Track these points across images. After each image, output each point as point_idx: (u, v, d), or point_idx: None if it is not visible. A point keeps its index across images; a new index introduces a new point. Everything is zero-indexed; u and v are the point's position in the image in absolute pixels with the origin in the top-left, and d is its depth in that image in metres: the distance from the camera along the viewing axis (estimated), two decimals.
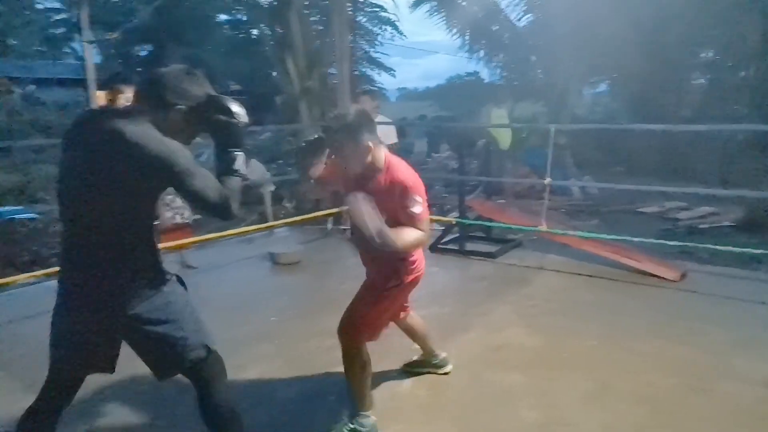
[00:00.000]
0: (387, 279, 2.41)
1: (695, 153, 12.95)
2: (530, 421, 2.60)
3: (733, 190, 10.48)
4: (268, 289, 4.70)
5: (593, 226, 8.05)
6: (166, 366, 1.86)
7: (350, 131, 2.26)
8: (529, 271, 4.92)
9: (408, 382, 2.97)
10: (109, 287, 1.69)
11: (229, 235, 6.04)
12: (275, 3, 9.46)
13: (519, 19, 13.18)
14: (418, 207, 2.25)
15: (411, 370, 3.04)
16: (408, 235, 2.24)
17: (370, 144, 2.29)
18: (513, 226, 5.59)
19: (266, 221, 7.14)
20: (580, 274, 4.80)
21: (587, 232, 5.58)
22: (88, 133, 1.66)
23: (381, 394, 2.79)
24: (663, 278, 4.58)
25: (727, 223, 9.55)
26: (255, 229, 6.23)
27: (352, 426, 2.43)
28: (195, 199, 1.69)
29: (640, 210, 10.65)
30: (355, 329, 2.39)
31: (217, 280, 4.96)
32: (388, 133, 5.50)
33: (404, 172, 2.33)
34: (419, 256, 2.48)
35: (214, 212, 1.73)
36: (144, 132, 1.62)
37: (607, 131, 13.63)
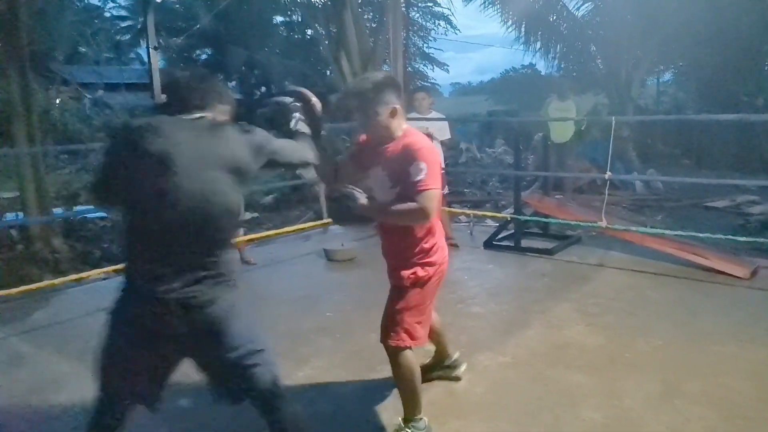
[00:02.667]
0: (402, 276, 2.28)
1: None
2: (593, 422, 2.52)
3: None
4: (324, 285, 4.77)
5: (658, 222, 7.73)
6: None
7: (371, 89, 2.16)
8: (589, 269, 4.77)
9: (465, 379, 2.94)
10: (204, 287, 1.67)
11: (285, 232, 6.19)
12: (329, 3, 9.57)
13: (578, 9, 12.79)
14: (422, 175, 2.05)
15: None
16: (402, 206, 2.11)
17: (391, 106, 2.16)
18: (571, 222, 5.44)
19: (321, 218, 7.24)
20: (644, 272, 4.62)
21: (650, 228, 5.36)
22: (180, 136, 1.65)
23: (436, 391, 2.78)
24: (732, 276, 4.35)
25: None
26: (310, 226, 6.34)
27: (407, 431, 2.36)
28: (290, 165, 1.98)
29: (708, 204, 10.13)
30: (389, 334, 2.30)
31: (275, 276, 5.07)
32: (441, 129, 5.45)
33: (418, 139, 2.19)
34: (435, 246, 2.30)
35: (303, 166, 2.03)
36: (231, 128, 1.76)
37: (673, 122, 13.04)
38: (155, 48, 3.85)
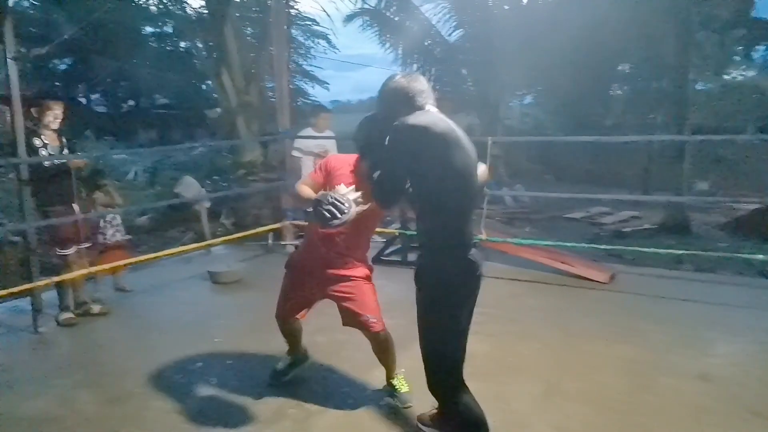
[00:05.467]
0: (367, 269, 3.02)
1: (618, 161, 13.74)
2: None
3: (653, 196, 11.21)
4: (211, 309, 4.56)
5: (527, 233, 8.35)
6: None
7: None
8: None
9: (363, 397, 2.96)
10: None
11: (164, 255, 5.82)
12: (207, 16, 9.26)
13: (450, 35, 13.55)
14: None
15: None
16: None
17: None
18: None
19: (203, 239, 6.92)
20: (520, 280, 4.96)
21: (522, 239, 5.78)
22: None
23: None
24: (595, 281, 4.82)
25: (647, 226, 10.17)
26: (192, 248, 6.03)
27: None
28: None
29: (567, 216, 11.14)
30: (374, 323, 2.84)
31: (156, 303, 4.76)
32: (333, 148, 5.55)
33: None
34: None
35: None
36: None
37: (535, 141, 14.22)
38: (14, 58, 3.48)
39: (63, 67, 18.75)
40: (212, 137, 16.13)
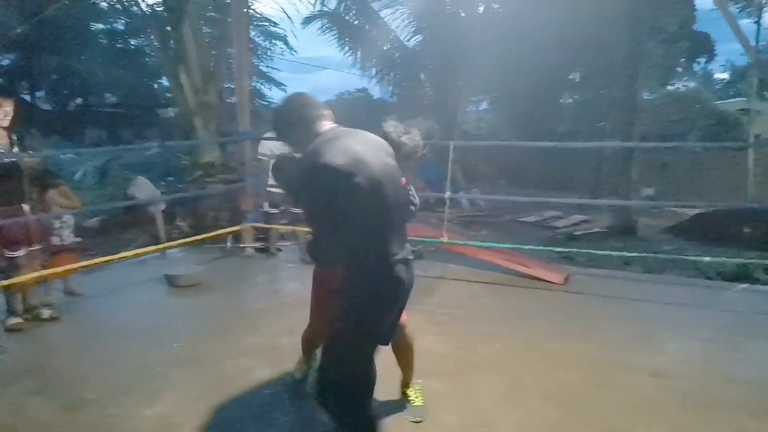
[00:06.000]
0: None
1: (570, 166, 14.19)
2: (451, 424, 2.70)
3: (603, 200, 11.61)
4: (169, 314, 4.45)
5: (484, 236, 8.51)
6: None
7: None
8: (433, 281, 5.09)
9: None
10: None
11: (117, 258, 5.64)
12: (164, 14, 9.03)
13: (408, 40, 13.68)
14: None
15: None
16: None
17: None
18: (416, 239, 5.76)
19: (159, 242, 6.75)
20: (479, 282, 5.05)
21: (481, 242, 5.90)
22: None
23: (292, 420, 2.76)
24: (550, 282, 4.97)
25: (597, 230, 10.55)
26: (147, 251, 5.87)
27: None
28: None
29: (522, 220, 11.41)
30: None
31: (111, 307, 4.61)
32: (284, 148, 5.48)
33: None
34: None
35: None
36: None
37: (491, 146, 14.50)
38: None
39: (5, 62, 17.90)
40: (165, 137, 15.71)
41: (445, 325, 3.96)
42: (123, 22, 16.48)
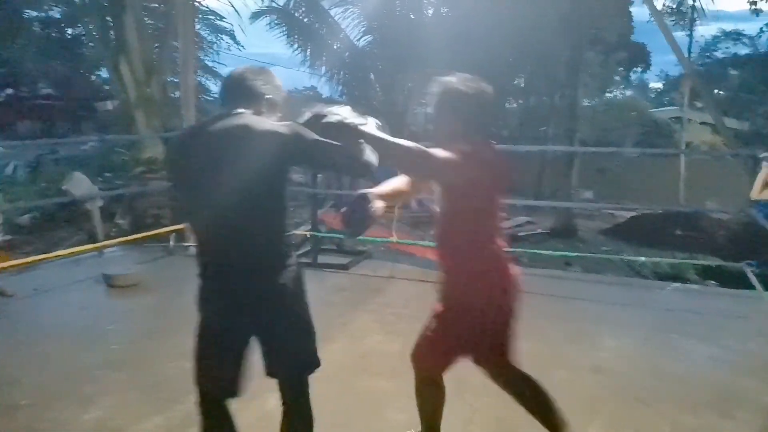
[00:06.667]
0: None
1: (514, 169, 14.56)
2: (399, 422, 2.72)
3: (546, 201, 11.98)
4: (106, 314, 4.27)
5: (432, 236, 8.61)
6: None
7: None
8: (382, 281, 5.11)
9: (273, 399, 2.90)
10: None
11: (51, 257, 5.38)
12: (105, 4, 8.66)
13: (358, 39, 13.68)
14: None
15: None
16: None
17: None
18: (366, 239, 5.77)
19: (96, 240, 6.47)
20: (427, 281, 5.08)
21: (430, 241, 5.96)
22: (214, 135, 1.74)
23: (248, 414, 2.70)
24: None
25: (540, 231, 10.88)
26: (83, 250, 5.62)
27: None
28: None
29: None
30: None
31: (44, 308, 4.38)
32: None
33: None
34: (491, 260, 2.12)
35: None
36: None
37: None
38: None
39: None
40: (103, 131, 15.10)
41: (392, 325, 3.98)
42: (59, 10, 15.71)
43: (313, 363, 1.96)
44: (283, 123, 1.80)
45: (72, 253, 5.44)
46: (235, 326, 1.80)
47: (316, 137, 1.71)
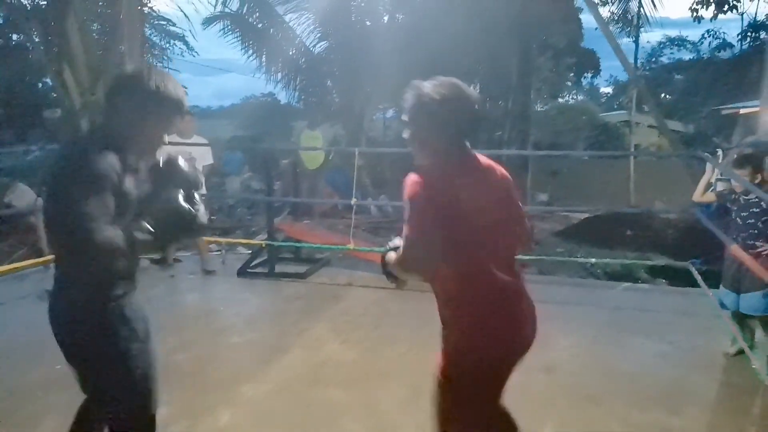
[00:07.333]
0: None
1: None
2: None
3: None
4: (51, 332, 4.08)
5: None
6: None
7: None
8: (339, 288, 5.07)
9: (229, 414, 2.84)
10: None
11: None
12: (47, 7, 8.34)
13: (314, 46, 13.61)
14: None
15: None
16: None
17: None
18: (323, 246, 5.72)
19: (41, 255, 6.20)
20: (385, 288, 5.08)
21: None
22: None
23: (202, 431, 2.64)
24: None
25: None
26: (27, 265, 5.39)
27: None
28: None
29: None
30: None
31: None
32: (204, 155, 5.27)
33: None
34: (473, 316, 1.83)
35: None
36: None
37: (398, 153, 14.73)
38: None
39: None
40: (51, 140, 14.54)
41: (348, 333, 3.95)
42: (1, 15, 15.08)
43: None
44: None
45: (14, 268, 5.20)
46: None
47: None
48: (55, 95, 12.77)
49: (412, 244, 1.64)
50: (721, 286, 3.66)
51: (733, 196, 3.60)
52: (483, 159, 1.84)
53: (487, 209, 1.74)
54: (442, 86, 1.75)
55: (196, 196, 1.80)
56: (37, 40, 9.71)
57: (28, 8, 9.52)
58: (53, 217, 1.63)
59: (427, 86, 1.76)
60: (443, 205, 1.66)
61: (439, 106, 1.72)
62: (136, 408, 1.79)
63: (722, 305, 3.67)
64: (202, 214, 1.77)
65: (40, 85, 18.56)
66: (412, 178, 1.71)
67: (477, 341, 1.80)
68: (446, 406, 1.90)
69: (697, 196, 4.08)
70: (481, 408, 1.87)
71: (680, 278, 5.77)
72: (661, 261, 7.08)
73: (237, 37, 12.87)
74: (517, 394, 3.02)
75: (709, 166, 4.10)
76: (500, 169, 1.88)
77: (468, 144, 1.80)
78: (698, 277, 4.58)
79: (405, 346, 3.71)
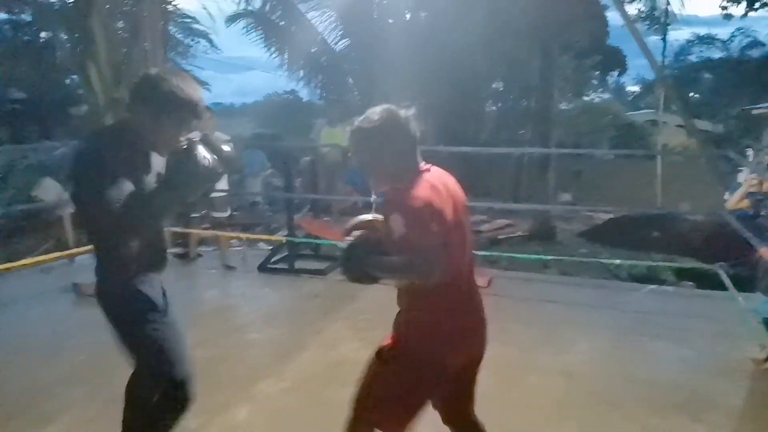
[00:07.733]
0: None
1: (492, 173, 14.62)
2: None
3: (526, 204, 12.05)
4: (73, 326, 4.15)
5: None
6: None
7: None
8: (357, 287, 5.03)
9: (246, 411, 2.85)
10: None
11: (20, 266, 5.25)
12: (70, 5, 8.47)
13: (336, 43, 13.62)
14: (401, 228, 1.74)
15: None
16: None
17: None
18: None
19: (67, 248, 6.32)
20: None
21: None
22: None
23: (216, 429, 2.65)
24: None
25: (519, 234, 10.91)
26: (53, 258, 5.49)
27: None
28: None
29: None
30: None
31: (10, 319, 4.26)
32: None
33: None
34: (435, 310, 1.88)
35: None
36: None
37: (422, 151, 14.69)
38: None
39: None
40: (76, 136, 14.81)
41: (366, 332, 3.93)
42: (30, 13, 15.41)
43: None
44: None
45: (40, 261, 5.31)
46: None
47: None
48: (80, 92, 12.98)
49: (425, 253, 1.66)
50: (757, 291, 3.55)
51: (765, 199, 3.50)
52: (437, 170, 1.92)
53: (455, 217, 1.80)
54: (373, 114, 1.86)
55: (225, 147, 1.94)
56: (64, 37, 9.88)
57: (56, 7, 9.70)
58: (79, 199, 1.87)
59: (359, 120, 1.87)
60: (436, 212, 1.72)
61: (376, 132, 1.82)
62: (161, 373, 1.99)
63: (757, 311, 3.57)
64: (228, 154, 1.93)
65: (67, 81, 18.90)
66: (397, 194, 1.79)
67: (433, 337, 1.86)
68: (375, 387, 1.99)
69: (732, 204, 3.97)
70: (404, 400, 1.94)
71: (707, 281, 5.62)
72: (688, 264, 6.91)
73: (260, 34, 12.98)
74: (535, 397, 2.99)
75: (743, 175, 3.99)
76: (453, 179, 1.95)
77: (420, 159, 1.87)
78: (727, 281, 4.46)
79: None
